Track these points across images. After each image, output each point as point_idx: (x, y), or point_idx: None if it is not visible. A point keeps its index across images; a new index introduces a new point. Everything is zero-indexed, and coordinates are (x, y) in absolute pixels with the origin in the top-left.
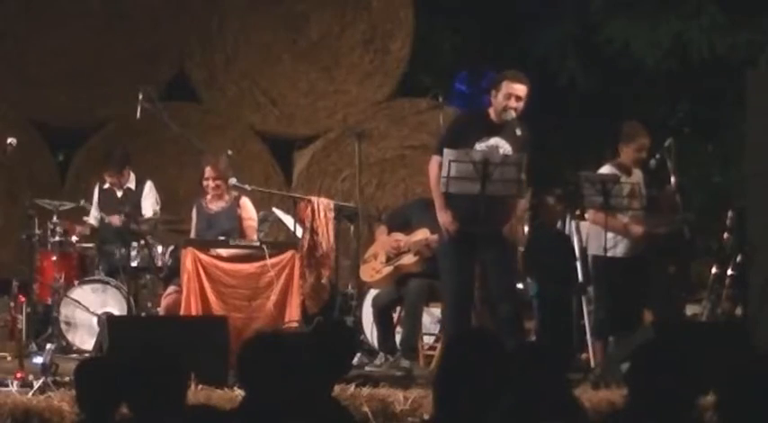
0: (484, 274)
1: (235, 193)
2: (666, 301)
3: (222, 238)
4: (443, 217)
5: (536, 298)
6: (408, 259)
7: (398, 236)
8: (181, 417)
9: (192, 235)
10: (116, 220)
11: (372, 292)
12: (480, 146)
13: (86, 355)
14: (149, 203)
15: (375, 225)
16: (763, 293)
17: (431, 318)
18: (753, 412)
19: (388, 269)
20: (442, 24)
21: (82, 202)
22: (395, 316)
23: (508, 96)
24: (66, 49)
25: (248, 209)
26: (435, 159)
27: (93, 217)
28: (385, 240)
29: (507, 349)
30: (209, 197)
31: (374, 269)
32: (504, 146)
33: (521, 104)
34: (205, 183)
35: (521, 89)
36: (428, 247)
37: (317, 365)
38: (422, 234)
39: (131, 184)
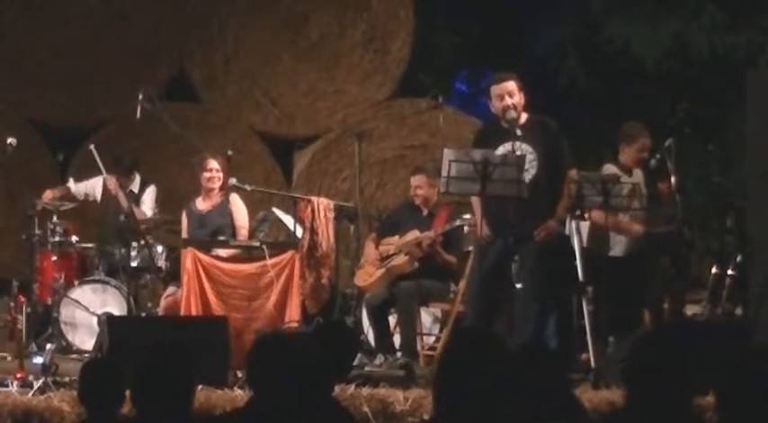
0: (513, 275)
1: (222, 192)
2: (661, 295)
3: (222, 238)
4: (482, 228)
5: None
6: (400, 260)
7: (391, 240)
8: (185, 418)
9: (185, 237)
10: (112, 183)
11: None
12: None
13: (86, 355)
14: (147, 207)
15: (367, 239)
16: (763, 293)
17: (430, 318)
18: (752, 412)
19: (381, 271)
20: (442, 24)
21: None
22: (391, 318)
23: (500, 98)
24: (66, 49)
25: (241, 210)
26: None
27: (75, 186)
28: (371, 253)
29: (507, 349)
30: (199, 198)
31: (367, 273)
32: (520, 147)
33: (516, 98)
34: (207, 175)
35: (507, 86)
36: (418, 246)
37: (319, 366)
38: (412, 235)
39: (135, 188)
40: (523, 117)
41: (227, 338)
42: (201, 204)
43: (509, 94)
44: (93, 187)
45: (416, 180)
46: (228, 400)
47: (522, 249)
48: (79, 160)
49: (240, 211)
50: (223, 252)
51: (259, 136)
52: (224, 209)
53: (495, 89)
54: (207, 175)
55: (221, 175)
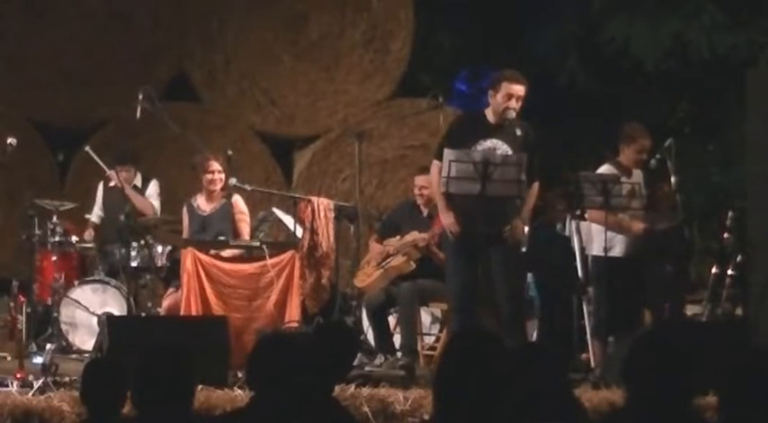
0: (487, 275)
1: (224, 193)
2: (664, 300)
3: (221, 238)
4: (446, 219)
5: (538, 298)
6: (397, 261)
7: (391, 241)
8: (185, 418)
9: (185, 236)
10: (114, 176)
11: None
12: (478, 148)
13: (86, 355)
14: (153, 200)
15: (370, 240)
16: (763, 293)
17: (430, 318)
18: (753, 412)
19: (378, 272)
20: (442, 24)
21: (86, 216)
22: (391, 318)
23: (508, 97)
24: (66, 49)
25: (240, 205)
26: (436, 164)
27: (95, 214)
28: (376, 249)
29: (507, 349)
30: (202, 197)
31: (366, 274)
32: (501, 147)
33: (520, 103)
34: (209, 176)
35: (520, 89)
36: (416, 247)
37: (319, 366)
38: (411, 236)
39: (137, 183)
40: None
41: (227, 338)
42: (204, 205)
43: (517, 99)
44: (99, 201)
45: (421, 180)
46: (228, 400)
47: (493, 249)
48: (79, 160)
49: (241, 209)
50: (223, 252)
51: (259, 136)
52: (226, 212)
53: (507, 87)
54: (209, 176)
55: (223, 175)
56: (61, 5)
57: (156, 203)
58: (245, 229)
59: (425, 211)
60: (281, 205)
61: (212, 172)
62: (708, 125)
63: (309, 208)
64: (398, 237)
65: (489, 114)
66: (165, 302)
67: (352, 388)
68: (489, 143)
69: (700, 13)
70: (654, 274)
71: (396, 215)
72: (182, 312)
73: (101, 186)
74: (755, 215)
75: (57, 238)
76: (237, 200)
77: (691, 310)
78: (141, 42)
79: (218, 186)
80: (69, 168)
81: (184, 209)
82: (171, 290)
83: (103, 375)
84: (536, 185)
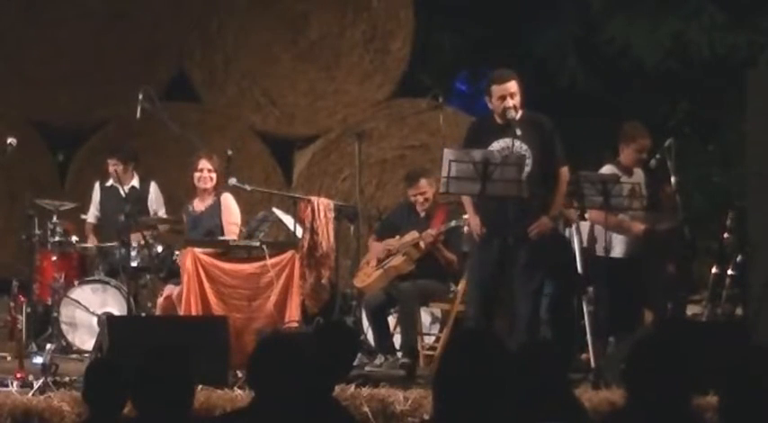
0: (509, 274)
1: (216, 191)
2: (665, 301)
3: (221, 238)
4: (473, 221)
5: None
6: (397, 260)
7: (391, 241)
8: (185, 418)
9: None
10: (138, 236)
11: None
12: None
13: (86, 355)
14: (154, 206)
15: (369, 240)
16: (763, 293)
17: (430, 318)
18: (753, 412)
19: (379, 272)
20: (442, 24)
21: (83, 216)
22: (391, 318)
23: (502, 98)
24: (67, 49)
25: (230, 208)
26: None
27: (91, 215)
28: (377, 247)
29: (507, 349)
30: (197, 199)
31: (366, 274)
32: (513, 144)
33: (517, 99)
34: (198, 175)
35: (509, 86)
36: (416, 247)
37: (319, 366)
38: (410, 236)
39: (135, 183)
40: (518, 114)
41: (227, 338)
42: (197, 205)
43: (511, 96)
44: (95, 201)
45: (422, 186)
46: (228, 400)
47: (519, 249)
48: (79, 160)
49: (228, 210)
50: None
51: (259, 136)
52: (215, 210)
53: (498, 90)
54: (197, 175)
55: (213, 175)
56: (61, 5)
57: (161, 210)
58: (230, 228)
59: (423, 213)
60: (281, 205)
61: (201, 170)
62: (708, 125)
63: (309, 208)
64: (398, 237)
65: (497, 116)
66: (160, 304)
67: (352, 388)
68: (503, 143)
69: (700, 13)
70: (655, 274)
71: (394, 216)
72: (182, 312)
73: (97, 186)
74: (755, 215)
75: (57, 238)
76: (225, 198)
77: (691, 310)
78: (141, 42)
79: (208, 185)
80: (69, 168)
81: (183, 212)
82: (168, 288)
83: (106, 376)
84: (563, 171)
